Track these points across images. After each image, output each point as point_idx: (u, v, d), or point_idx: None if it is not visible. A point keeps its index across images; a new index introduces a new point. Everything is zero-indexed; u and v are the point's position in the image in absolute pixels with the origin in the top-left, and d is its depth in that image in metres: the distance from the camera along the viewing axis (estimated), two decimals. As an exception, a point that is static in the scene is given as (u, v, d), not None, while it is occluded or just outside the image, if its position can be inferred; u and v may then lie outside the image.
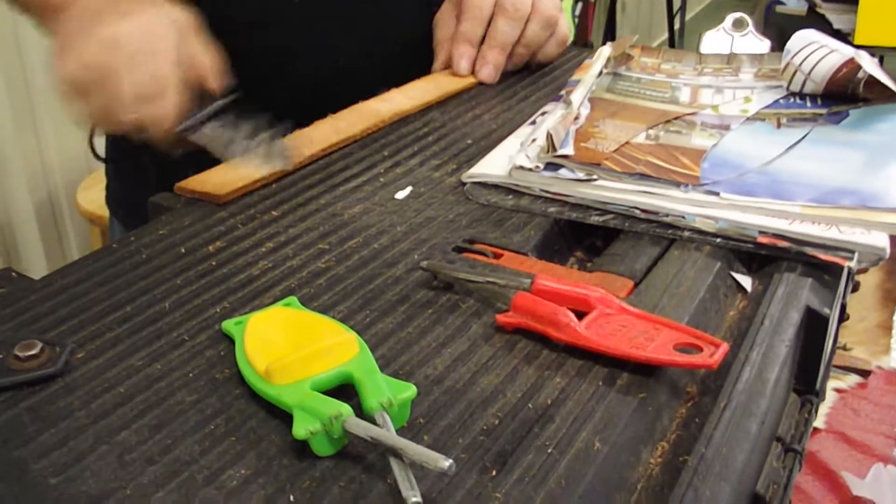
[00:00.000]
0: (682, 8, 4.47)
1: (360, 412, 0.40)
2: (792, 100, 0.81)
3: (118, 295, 0.53)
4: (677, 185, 0.63)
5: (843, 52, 0.79)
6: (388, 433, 0.39)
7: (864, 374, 0.97)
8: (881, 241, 0.57)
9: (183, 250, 0.58)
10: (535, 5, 0.92)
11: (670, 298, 0.53)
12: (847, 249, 0.57)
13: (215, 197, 0.64)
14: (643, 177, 0.64)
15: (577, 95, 0.78)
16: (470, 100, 0.87)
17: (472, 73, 0.91)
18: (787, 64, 0.82)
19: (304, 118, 0.77)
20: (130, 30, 0.67)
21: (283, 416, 0.42)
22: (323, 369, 0.43)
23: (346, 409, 0.40)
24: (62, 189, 1.95)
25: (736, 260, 0.60)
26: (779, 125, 0.75)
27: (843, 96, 0.79)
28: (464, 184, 0.68)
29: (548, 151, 0.67)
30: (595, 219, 0.63)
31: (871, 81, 0.76)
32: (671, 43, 4.10)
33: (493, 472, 0.39)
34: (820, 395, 0.58)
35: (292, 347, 0.45)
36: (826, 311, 0.56)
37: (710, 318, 0.54)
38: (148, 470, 0.39)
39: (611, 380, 0.46)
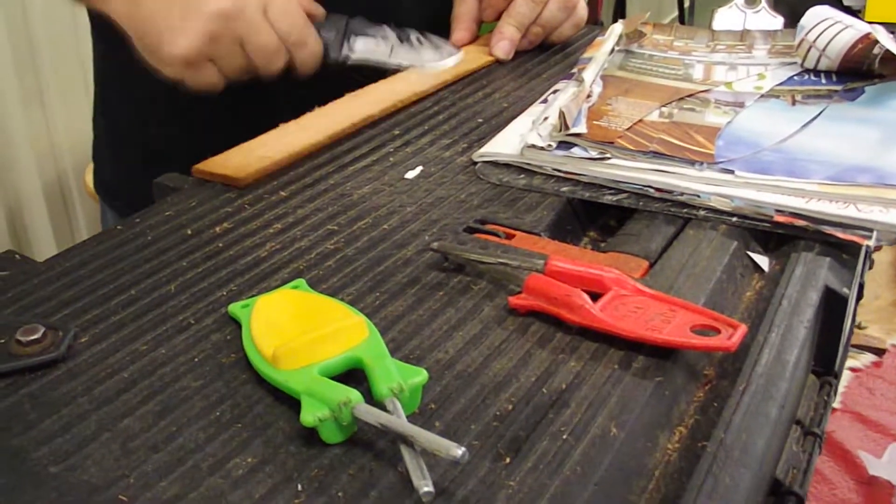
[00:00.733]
0: (693, -16, 4.43)
1: (370, 398, 0.40)
2: (806, 76, 0.80)
3: (122, 278, 0.52)
4: (692, 163, 0.62)
5: (859, 27, 0.77)
6: (398, 420, 0.38)
7: (879, 352, 0.97)
8: (900, 219, 0.56)
9: (189, 232, 0.57)
10: None
11: (686, 279, 0.52)
12: (865, 228, 0.56)
13: (234, 180, 0.63)
14: (657, 155, 0.63)
15: (590, 73, 0.77)
16: (481, 78, 0.86)
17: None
18: (802, 40, 0.81)
19: (304, 109, 0.76)
20: None
21: (290, 403, 0.41)
22: (331, 354, 0.42)
23: (355, 394, 0.39)
24: (70, 169, 1.94)
25: (752, 239, 0.58)
26: (793, 102, 0.74)
27: (858, 73, 0.78)
28: (475, 163, 0.67)
29: (560, 130, 0.66)
30: (608, 198, 0.62)
31: (888, 57, 0.75)
32: (681, 20, 4.07)
33: (507, 460, 0.38)
34: (838, 376, 0.57)
35: (300, 331, 0.44)
36: (845, 290, 0.55)
37: (727, 299, 0.53)
38: (152, 458, 0.38)
39: (626, 363, 0.44)
